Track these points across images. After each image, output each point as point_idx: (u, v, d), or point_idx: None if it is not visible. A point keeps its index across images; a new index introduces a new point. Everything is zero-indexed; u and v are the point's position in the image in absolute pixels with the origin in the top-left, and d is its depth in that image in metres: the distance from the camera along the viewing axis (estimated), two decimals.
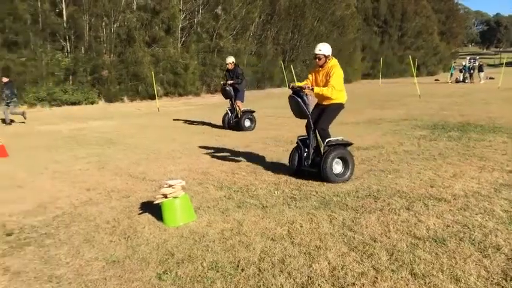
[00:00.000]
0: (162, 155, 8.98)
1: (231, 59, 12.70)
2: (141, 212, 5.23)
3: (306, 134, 6.70)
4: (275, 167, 7.48)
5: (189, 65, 27.88)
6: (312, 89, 6.35)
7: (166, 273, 3.63)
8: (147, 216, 5.04)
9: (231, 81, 12.41)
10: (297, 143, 6.81)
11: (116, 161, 8.38)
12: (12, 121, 15.36)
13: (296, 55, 36.70)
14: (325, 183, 6.33)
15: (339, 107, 6.63)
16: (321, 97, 6.51)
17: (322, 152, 6.41)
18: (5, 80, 15.44)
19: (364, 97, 23.58)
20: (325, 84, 6.38)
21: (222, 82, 13.02)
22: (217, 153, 8.99)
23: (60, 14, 23.51)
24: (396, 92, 26.48)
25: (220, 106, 21.56)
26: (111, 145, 10.36)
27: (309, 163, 6.63)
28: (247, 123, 12.54)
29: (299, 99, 6.33)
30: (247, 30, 32.37)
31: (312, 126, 6.51)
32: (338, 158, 6.38)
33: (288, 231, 4.50)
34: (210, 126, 13.57)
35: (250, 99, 25.26)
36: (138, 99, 25.23)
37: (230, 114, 12.84)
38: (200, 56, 29.49)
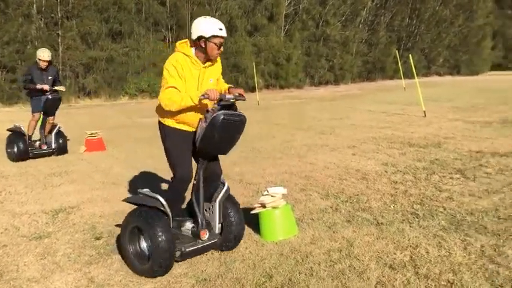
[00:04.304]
0: (261, 154, 8.76)
1: (47, 53, 8.72)
2: None
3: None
4: (390, 173, 6.85)
5: (292, 55, 27.69)
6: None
7: None
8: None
9: (61, 87, 9.02)
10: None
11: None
12: None
13: (413, 43, 34.89)
14: (454, 197, 5.61)
15: None
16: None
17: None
18: None
19: (495, 92, 21.61)
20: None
21: (42, 87, 8.53)
22: (321, 153, 8.55)
23: (163, 3, 24.52)
24: None
25: (327, 100, 21.05)
26: None
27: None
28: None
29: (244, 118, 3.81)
30: (358, 16, 31.40)
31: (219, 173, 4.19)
32: (134, 228, 3.82)
33: (411, 257, 3.93)
34: (315, 121, 13.12)
35: (358, 93, 24.47)
36: None
37: (29, 137, 8.96)
38: (304, 45, 29.15)
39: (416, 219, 4.86)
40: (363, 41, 32.02)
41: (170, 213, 3.79)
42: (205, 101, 3.71)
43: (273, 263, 3.90)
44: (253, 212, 4.51)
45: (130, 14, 22.99)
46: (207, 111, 3.71)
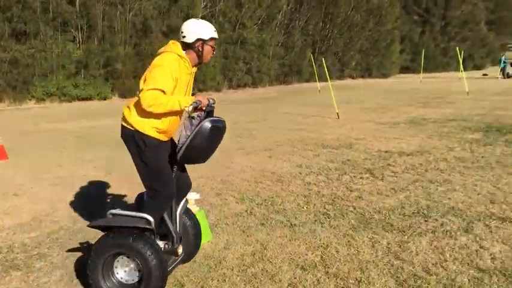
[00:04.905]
0: None
1: None
2: None
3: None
4: (304, 175, 7.03)
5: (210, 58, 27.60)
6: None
7: None
8: None
9: None
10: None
11: (125, 166, 8.02)
12: None
13: (327, 47, 36.09)
14: (363, 196, 5.86)
15: None
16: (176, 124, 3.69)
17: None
18: None
19: (403, 94, 22.90)
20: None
21: None
22: (238, 157, 8.59)
23: (72, 2, 23.50)
24: (440, 88, 25.64)
25: (245, 103, 21.22)
26: (123, 146, 10.04)
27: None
28: None
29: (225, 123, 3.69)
30: (274, 20, 31.92)
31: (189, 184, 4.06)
32: (121, 255, 3.39)
33: (322, 257, 4.05)
34: (232, 124, 13.14)
35: (276, 96, 24.89)
36: None
37: None
38: (222, 48, 29.19)
39: (328, 219, 5.02)
40: (279, 44, 32.61)
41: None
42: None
43: (185, 270, 3.85)
44: None
45: (36, 13, 21.73)
46: (192, 117, 3.45)
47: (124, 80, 24.07)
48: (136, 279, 3.38)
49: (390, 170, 7.19)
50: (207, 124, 3.42)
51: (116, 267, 3.41)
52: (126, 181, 6.93)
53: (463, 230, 4.62)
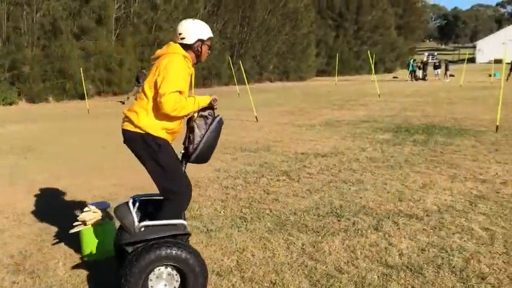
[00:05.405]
0: (88, 166, 8.31)
1: None
2: (55, 241, 4.63)
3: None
4: (222, 179, 7.03)
5: (125, 61, 26.93)
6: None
7: None
8: (63, 247, 4.46)
9: None
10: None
11: (31, 175, 7.64)
12: None
13: (245, 50, 36.44)
14: (279, 198, 5.95)
15: None
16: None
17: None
18: None
19: (319, 96, 23.62)
20: None
21: None
22: None
23: None
24: (354, 91, 26.74)
25: None
26: (29, 154, 9.54)
27: None
28: None
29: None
30: None
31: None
32: (165, 266, 3.25)
33: (237, 262, 4.06)
34: None
35: None
36: (65, 99, 24.08)
37: None
38: (137, 51, 28.58)
39: (245, 223, 5.04)
40: None
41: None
42: None
43: (97, 282, 3.70)
44: (72, 231, 4.22)
45: None
46: (205, 116, 3.51)
47: (32, 84, 22.85)
48: None
49: (306, 172, 7.37)
50: (218, 122, 3.58)
51: (151, 280, 3.23)
52: (32, 191, 6.59)
53: (373, 228, 4.82)
